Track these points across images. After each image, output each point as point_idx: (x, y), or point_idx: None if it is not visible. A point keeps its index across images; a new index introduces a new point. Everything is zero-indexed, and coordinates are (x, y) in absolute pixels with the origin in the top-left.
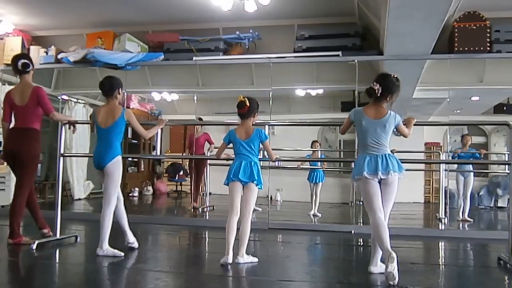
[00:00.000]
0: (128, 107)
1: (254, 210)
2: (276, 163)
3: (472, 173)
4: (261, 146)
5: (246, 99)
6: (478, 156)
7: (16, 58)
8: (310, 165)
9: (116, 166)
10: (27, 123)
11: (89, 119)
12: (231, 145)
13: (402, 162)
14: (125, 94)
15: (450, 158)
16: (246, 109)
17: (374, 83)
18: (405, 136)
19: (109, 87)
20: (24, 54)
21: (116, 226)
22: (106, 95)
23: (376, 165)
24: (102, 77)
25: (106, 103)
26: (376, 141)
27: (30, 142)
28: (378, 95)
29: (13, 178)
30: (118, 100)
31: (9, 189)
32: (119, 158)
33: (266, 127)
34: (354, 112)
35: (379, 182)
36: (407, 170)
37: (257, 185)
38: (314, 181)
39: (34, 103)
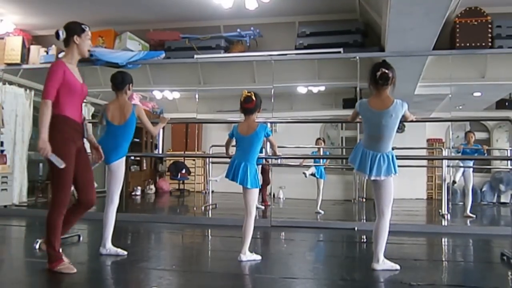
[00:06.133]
0: None
1: (257, 208)
2: (279, 160)
3: (471, 169)
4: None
5: (252, 93)
6: (482, 152)
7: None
8: (314, 162)
9: (120, 165)
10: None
11: (93, 117)
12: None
13: (404, 159)
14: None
15: (453, 154)
16: (253, 103)
17: (384, 70)
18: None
19: (121, 79)
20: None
21: (119, 225)
22: (116, 88)
23: (365, 166)
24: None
25: (115, 98)
26: (379, 135)
27: None
28: (393, 81)
29: (15, 178)
30: (127, 96)
31: (11, 189)
32: (124, 159)
33: (268, 124)
34: (360, 103)
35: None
36: (409, 166)
37: (251, 187)
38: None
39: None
